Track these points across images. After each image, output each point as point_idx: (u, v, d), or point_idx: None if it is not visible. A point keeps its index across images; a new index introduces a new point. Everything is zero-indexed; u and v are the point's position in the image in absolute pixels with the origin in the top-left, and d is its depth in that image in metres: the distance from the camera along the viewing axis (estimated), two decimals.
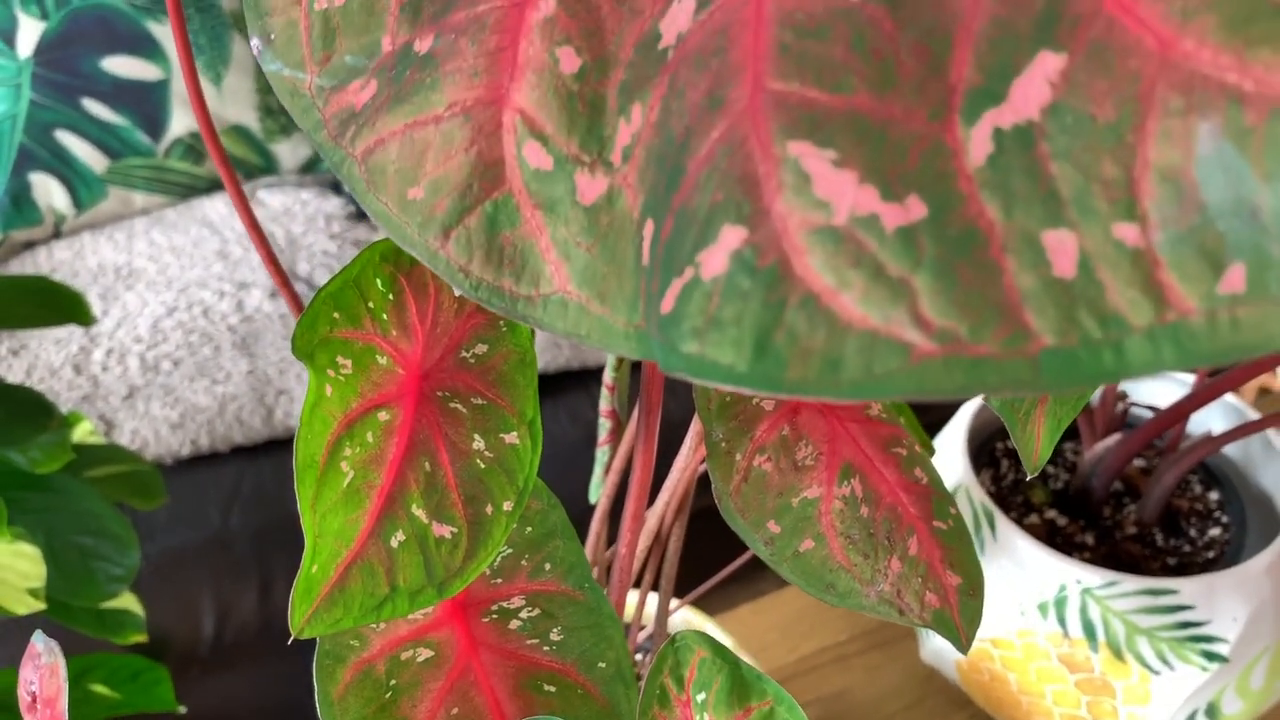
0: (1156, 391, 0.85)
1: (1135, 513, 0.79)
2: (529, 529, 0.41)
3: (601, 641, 0.40)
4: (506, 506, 0.38)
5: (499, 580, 0.40)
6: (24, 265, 1.45)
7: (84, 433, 1.05)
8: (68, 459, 0.94)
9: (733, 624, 0.87)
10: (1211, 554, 0.76)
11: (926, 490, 0.46)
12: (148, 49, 1.49)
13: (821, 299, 0.19)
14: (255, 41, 0.27)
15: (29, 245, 1.48)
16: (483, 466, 0.37)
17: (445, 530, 0.36)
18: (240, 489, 1.22)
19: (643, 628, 0.70)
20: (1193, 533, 0.78)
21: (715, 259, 0.19)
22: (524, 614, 0.40)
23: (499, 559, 0.40)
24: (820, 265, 0.19)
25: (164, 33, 1.50)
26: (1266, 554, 0.68)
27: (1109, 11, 0.18)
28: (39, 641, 0.38)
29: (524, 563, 0.41)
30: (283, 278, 0.44)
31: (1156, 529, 0.79)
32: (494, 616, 0.40)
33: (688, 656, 0.33)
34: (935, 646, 0.80)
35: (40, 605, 0.82)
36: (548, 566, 0.41)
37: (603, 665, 0.40)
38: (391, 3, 0.25)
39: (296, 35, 0.26)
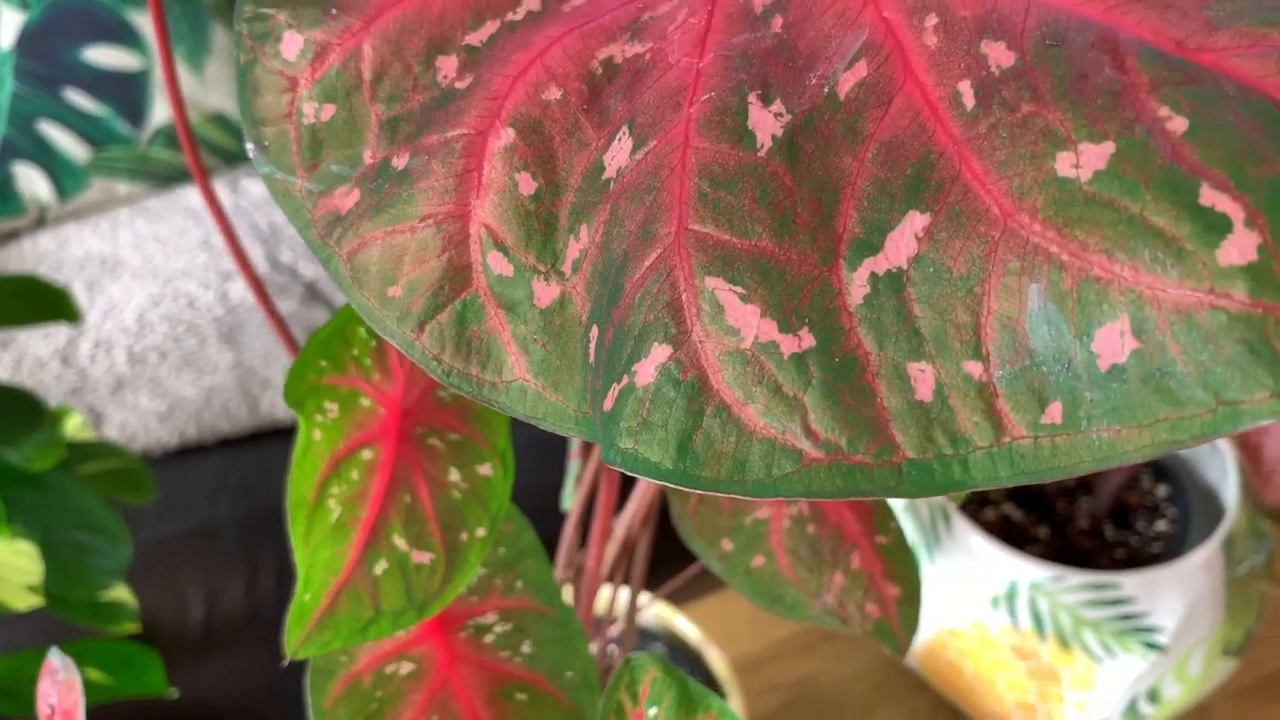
0: None
1: (1088, 506, 0.83)
2: (502, 550, 0.45)
3: (569, 653, 0.44)
4: (480, 533, 0.41)
5: (474, 598, 0.44)
6: (8, 256, 1.47)
7: (75, 426, 1.09)
8: (61, 456, 0.98)
9: (702, 614, 0.91)
10: (1158, 547, 0.81)
11: (869, 507, 0.50)
12: (128, 38, 1.51)
13: (732, 410, 0.22)
14: (250, 146, 0.30)
15: (12, 235, 1.50)
16: (458, 497, 0.41)
17: (424, 557, 0.40)
18: (227, 479, 1.26)
19: (614, 622, 0.74)
20: (1141, 526, 0.83)
21: (646, 371, 0.23)
22: (498, 629, 0.44)
23: (474, 578, 0.44)
24: (731, 381, 0.23)
25: (144, 22, 1.52)
26: (1203, 550, 0.73)
27: (965, 180, 0.21)
28: (55, 658, 0.42)
29: (497, 581, 0.45)
30: (252, 276, 0.47)
31: (1107, 522, 0.83)
32: (470, 631, 0.44)
33: (641, 675, 0.37)
34: None
35: (39, 601, 0.86)
36: (519, 584, 0.45)
37: (570, 674, 0.44)
38: (372, 121, 0.29)
39: (288, 144, 0.29)
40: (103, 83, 1.48)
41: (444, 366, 0.28)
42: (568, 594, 0.68)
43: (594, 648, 0.70)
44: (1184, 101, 0.20)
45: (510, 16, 0.28)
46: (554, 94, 0.27)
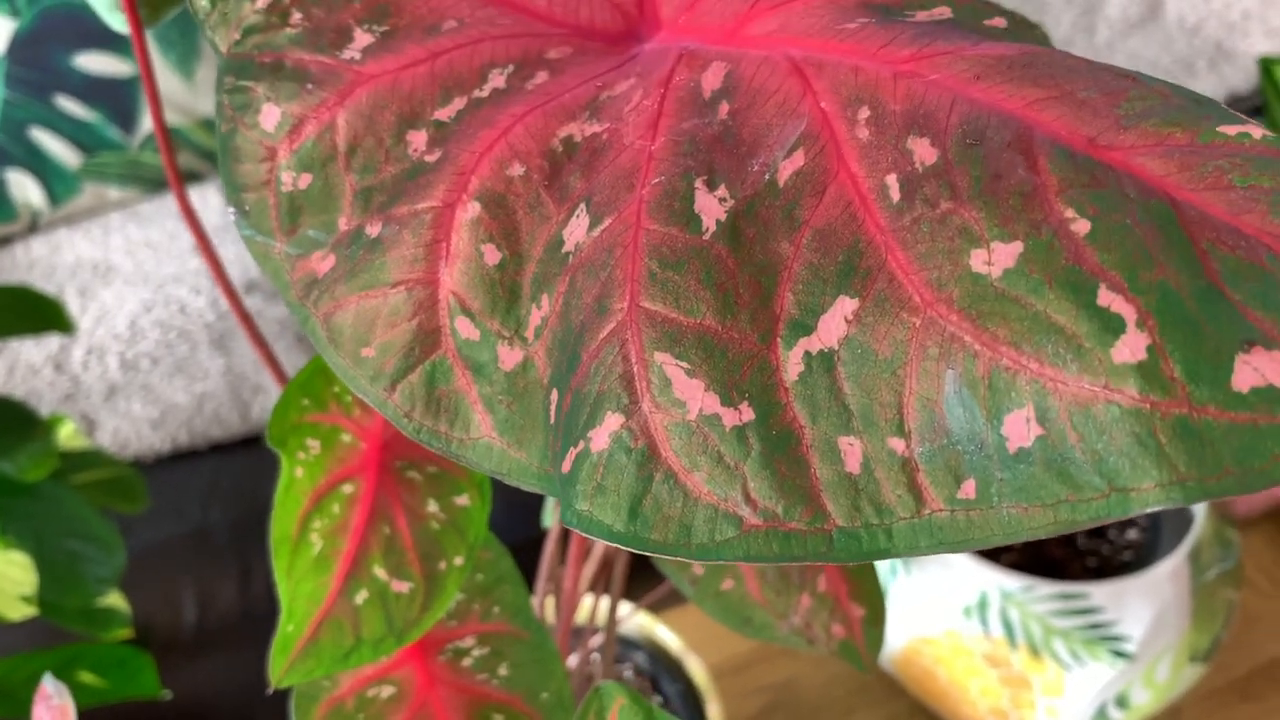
0: None
1: None
2: (480, 576, 0.47)
3: (544, 675, 0.46)
4: (458, 561, 0.43)
5: (453, 622, 0.46)
6: (0, 262, 1.49)
7: (67, 434, 1.10)
8: (54, 466, 0.99)
9: (683, 621, 0.93)
10: (1129, 555, 0.83)
11: None
12: (119, 45, 1.52)
13: (679, 477, 0.24)
14: (231, 210, 0.32)
15: (5, 241, 1.52)
16: (437, 527, 0.43)
17: (404, 586, 0.42)
18: (219, 484, 1.28)
19: (596, 632, 0.75)
20: (1112, 534, 0.85)
21: (601, 438, 0.25)
22: (475, 652, 0.46)
23: (453, 604, 0.46)
24: (678, 450, 0.24)
25: None
26: (1169, 561, 0.75)
27: (890, 269, 0.23)
28: (49, 684, 0.44)
29: (475, 606, 0.46)
30: (227, 285, 0.48)
31: (1078, 533, 0.85)
32: (449, 655, 0.46)
33: (610, 703, 0.38)
34: None
35: (33, 611, 0.88)
36: (496, 609, 0.46)
37: (545, 695, 0.46)
38: (347, 190, 0.30)
39: (267, 210, 0.31)
40: (93, 89, 1.50)
41: (414, 424, 0.29)
42: (550, 606, 0.69)
43: (576, 658, 0.72)
44: (1088, 204, 0.21)
45: (477, 93, 0.30)
46: (517, 170, 0.28)
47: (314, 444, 0.41)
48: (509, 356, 0.28)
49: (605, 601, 0.80)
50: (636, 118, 0.28)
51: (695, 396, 0.24)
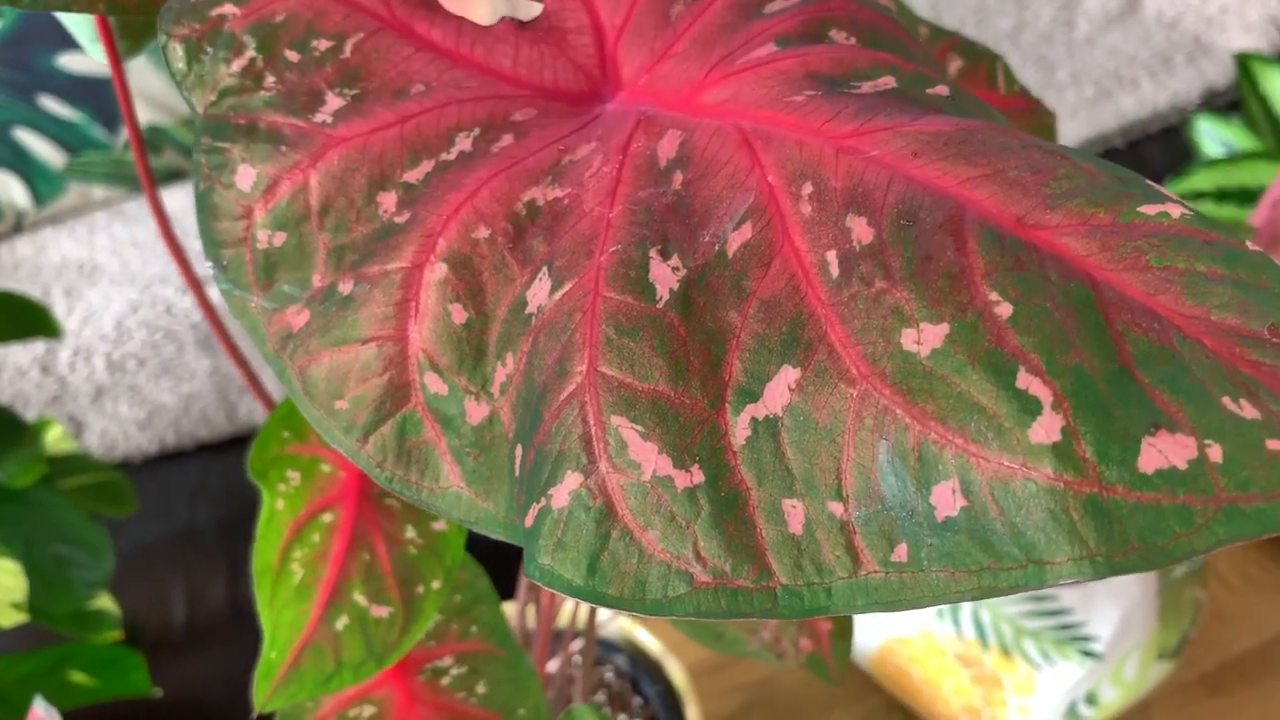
0: None
1: None
2: (458, 597, 0.48)
3: (521, 692, 0.47)
4: (435, 585, 0.45)
5: (432, 643, 0.48)
6: None
7: (55, 437, 1.11)
8: (42, 472, 1.00)
9: (662, 623, 0.95)
10: None
11: None
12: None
13: (634, 534, 0.26)
14: (210, 265, 0.33)
15: None
16: (415, 553, 0.44)
17: (383, 611, 0.43)
18: (206, 484, 1.29)
19: (576, 635, 0.77)
20: None
21: (561, 495, 0.26)
22: (454, 671, 0.47)
23: (431, 625, 0.48)
24: (633, 509, 0.26)
25: None
26: None
27: (830, 341, 0.25)
28: (40, 706, 0.45)
29: (453, 626, 0.48)
30: (199, 290, 0.49)
31: None
32: (428, 675, 0.47)
33: None
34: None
35: (24, 618, 0.89)
36: (474, 629, 0.48)
37: (522, 712, 0.47)
38: (320, 248, 0.31)
39: (244, 266, 0.32)
40: (77, 89, 1.50)
41: (386, 473, 0.31)
42: (531, 613, 0.71)
43: (557, 662, 0.74)
44: (1011, 288, 0.23)
45: (444, 156, 0.31)
46: (483, 233, 0.30)
47: (294, 475, 0.43)
48: (476, 411, 0.30)
49: (585, 606, 0.82)
50: (596, 184, 0.29)
51: (649, 459, 0.26)
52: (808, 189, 0.26)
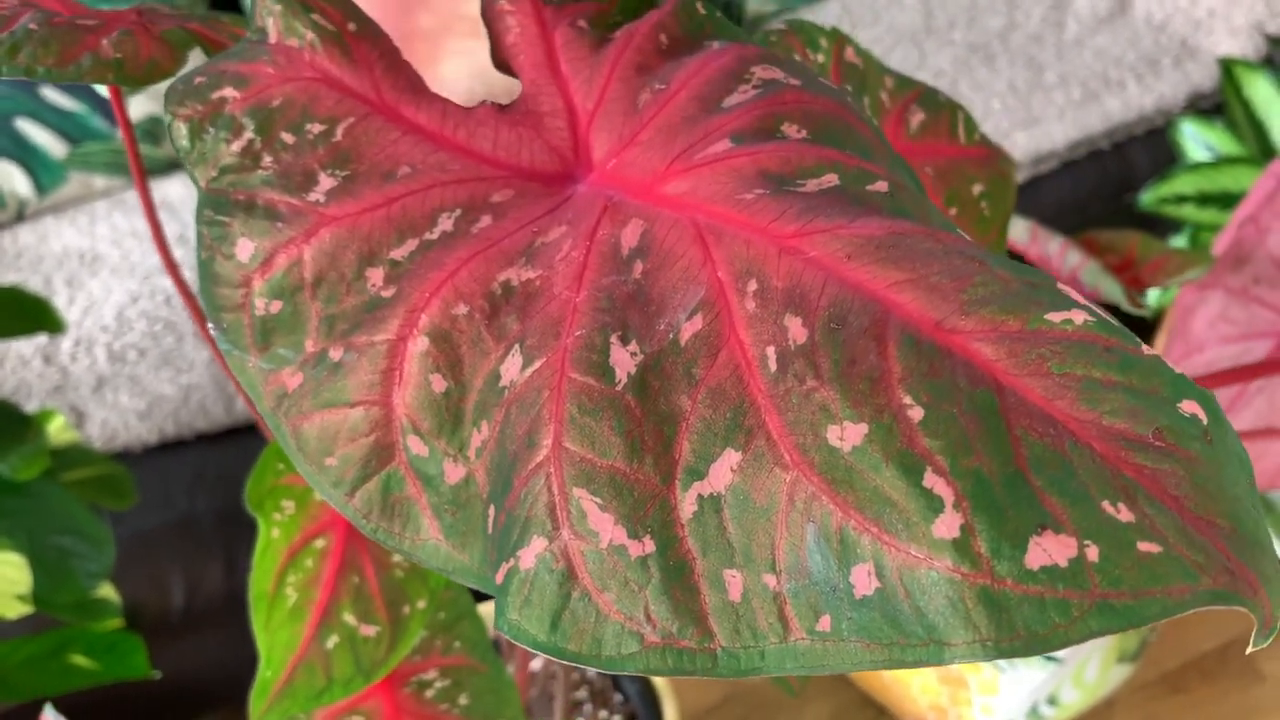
0: None
1: None
2: (442, 614, 0.51)
3: (501, 703, 0.51)
4: (421, 605, 0.48)
5: (417, 657, 0.51)
6: None
7: (57, 428, 1.14)
8: (45, 465, 1.03)
9: None
10: None
11: None
12: None
13: (593, 596, 0.29)
14: (211, 326, 0.36)
15: None
16: (401, 575, 0.47)
17: (371, 630, 0.46)
18: (205, 473, 1.32)
19: None
20: None
21: (528, 557, 0.29)
22: (438, 684, 0.50)
23: (417, 641, 0.51)
24: (592, 573, 0.29)
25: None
26: None
27: (768, 429, 0.27)
28: (49, 713, 0.48)
29: (438, 642, 0.51)
30: (182, 286, 0.52)
31: None
32: (413, 687, 0.50)
33: None
34: None
35: (28, 609, 0.92)
36: (457, 644, 0.51)
37: None
38: (313, 317, 0.34)
39: (242, 329, 0.35)
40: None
41: (371, 524, 0.34)
42: None
43: (540, 660, 0.77)
44: (924, 393, 0.26)
45: (428, 235, 0.34)
46: (462, 310, 0.32)
47: (288, 504, 0.46)
48: (453, 472, 0.33)
49: None
50: (565, 268, 0.32)
51: (607, 528, 0.29)
52: (753, 286, 0.29)
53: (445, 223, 0.34)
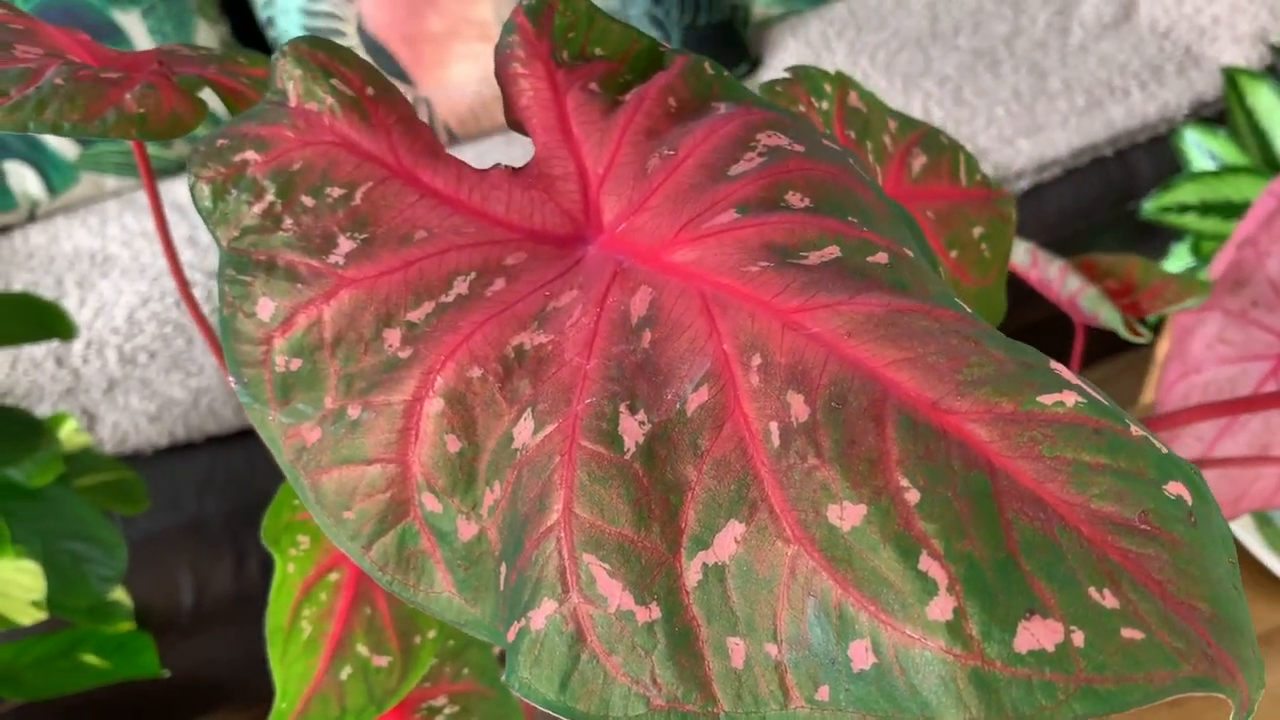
0: None
1: None
2: (451, 642, 0.52)
3: None
4: (431, 635, 0.49)
5: (427, 684, 0.52)
6: (0, 250, 1.53)
7: (69, 432, 1.16)
8: (59, 472, 1.05)
9: None
10: None
11: None
12: (114, 38, 1.55)
13: (601, 658, 0.30)
14: (232, 380, 0.37)
15: (4, 230, 1.56)
16: (412, 606, 0.49)
17: (383, 660, 0.48)
18: (214, 476, 1.33)
19: None
20: None
21: (539, 618, 0.31)
22: (447, 710, 0.52)
23: (427, 668, 0.52)
24: (600, 636, 0.30)
25: (129, 21, 1.56)
26: None
27: (770, 503, 0.29)
28: None
29: (447, 669, 0.52)
30: (186, 289, 0.53)
31: None
32: (423, 713, 0.51)
33: None
34: None
35: (43, 615, 0.94)
36: (466, 671, 0.52)
37: None
38: (332, 375, 0.35)
39: (263, 385, 0.36)
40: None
41: (387, 577, 0.35)
42: None
43: None
44: (920, 476, 0.27)
45: (443, 299, 0.35)
46: (476, 373, 0.34)
47: (304, 539, 0.47)
48: (466, 529, 0.34)
49: None
50: (576, 334, 0.33)
51: (615, 594, 0.30)
52: (757, 360, 0.30)
53: (460, 286, 0.35)
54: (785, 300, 0.31)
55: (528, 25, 0.38)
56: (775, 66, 1.82)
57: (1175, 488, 0.27)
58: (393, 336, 0.35)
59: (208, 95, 0.50)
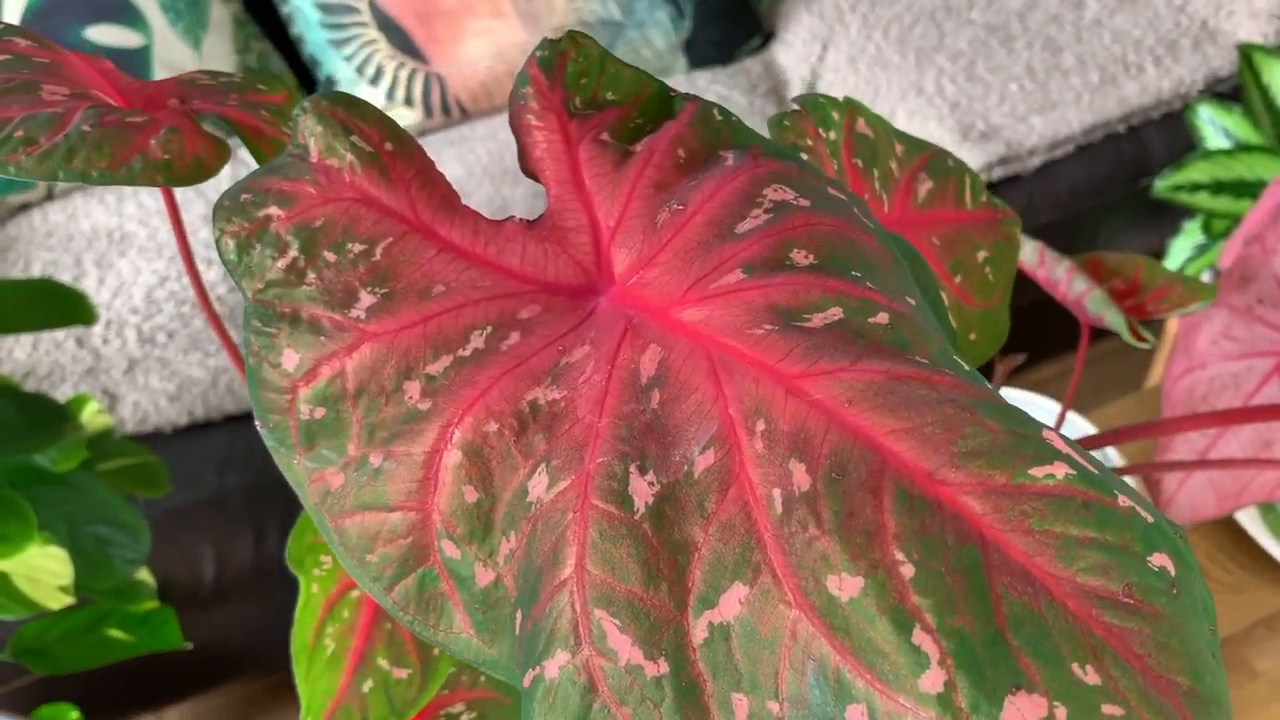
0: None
1: None
2: None
3: None
4: None
5: (445, 691, 0.54)
6: (19, 228, 1.54)
7: (91, 413, 1.18)
8: (82, 457, 1.07)
9: None
10: None
11: None
12: (129, 17, 1.55)
13: (612, 709, 0.31)
14: (259, 424, 0.38)
15: (24, 208, 1.57)
16: (432, 645, 0.51)
17: (403, 673, 0.50)
18: (233, 453, 1.36)
19: None
20: None
21: (552, 668, 0.32)
22: (464, 717, 0.54)
23: (445, 677, 0.54)
24: (611, 688, 0.31)
25: (144, 1, 1.57)
26: None
27: (773, 567, 0.30)
28: None
29: (464, 678, 0.54)
30: (195, 274, 0.55)
31: None
32: (442, 719, 0.54)
33: None
34: None
35: (70, 600, 0.96)
36: (482, 679, 0.54)
37: None
38: (354, 424, 0.37)
39: (288, 431, 0.38)
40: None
41: (408, 616, 0.37)
42: None
43: None
44: (915, 550, 0.28)
45: (461, 353, 0.36)
46: (492, 427, 0.35)
47: (326, 560, 0.49)
48: (483, 575, 0.36)
49: None
50: (588, 391, 0.35)
51: (625, 649, 0.31)
52: (761, 426, 0.32)
53: (477, 340, 0.36)
54: (789, 366, 0.32)
55: (541, 78, 0.39)
56: (789, 41, 1.81)
57: (1159, 559, 0.28)
58: (413, 389, 0.36)
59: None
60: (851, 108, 0.52)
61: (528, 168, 0.40)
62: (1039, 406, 0.97)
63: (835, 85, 1.72)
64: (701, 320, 0.35)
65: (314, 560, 0.48)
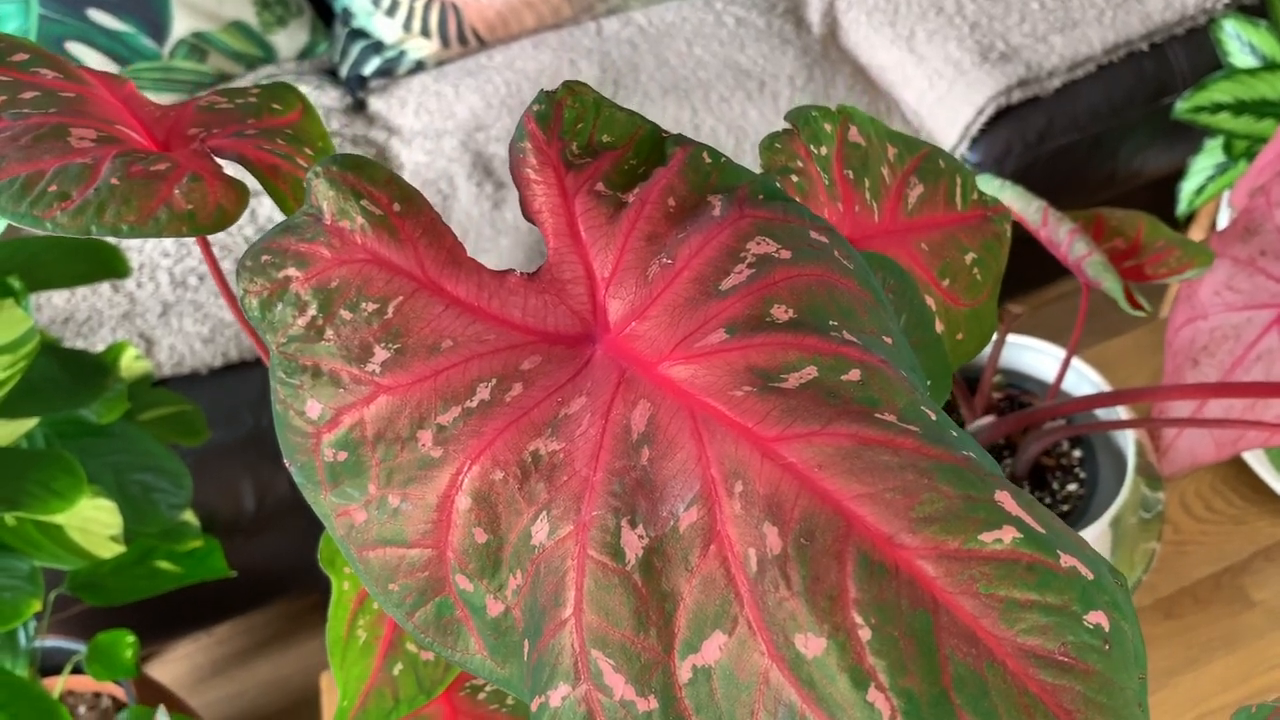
0: (1030, 362, 1.00)
1: (1009, 467, 0.96)
2: None
3: None
4: None
5: None
6: None
7: (129, 359, 1.22)
8: (125, 409, 1.12)
9: None
10: (1067, 507, 0.94)
11: None
12: None
13: None
14: (288, 463, 0.42)
15: None
16: (451, 664, 0.55)
17: (430, 655, 0.54)
18: (268, 393, 1.40)
19: None
20: (1055, 486, 0.95)
21: (555, 698, 0.36)
22: (488, 687, 0.58)
23: None
24: (608, 718, 0.35)
25: None
26: (1095, 527, 0.86)
27: (749, 620, 0.34)
28: (161, 717, 0.57)
29: None
30: (212, 259, 0.58)
31: (1026, 482, 0.96)
32: (467, 690, 0.58)
33: None
34: None
35: (121, 549, 1.02)
36: None
37: None
38: (373, 467, 0.40)
39: (314, 470, 0.41)
40: (125, 2, 1.55)
41: (428, 639, 0.41)
42: None
43: None
44: (872, 615, 0.32)
45: (468, 404, 0.39)
46: (498, 475, 0.38)
47: None
48: (494, 606, 0.39)
49: None
50: (584, 444, 0.38)
51: (618, 686, 0.35)
52: (739, 487, 0.35)
53: (483, 392, 0.39)
54: (766, 429, 0.35)
55: (538, 132, 0.42)
56: None
57: (1095, 617, 0.32)
58: (426, 437, 0.40)
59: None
60: (844, 115, 0.53)
61: (528, 215, 0.43)
62: (1045, 352, 0.99)
63: (854, 5, 1.70)
64: (687, 379, 0.38)
65: (344, 561, 0.52)
